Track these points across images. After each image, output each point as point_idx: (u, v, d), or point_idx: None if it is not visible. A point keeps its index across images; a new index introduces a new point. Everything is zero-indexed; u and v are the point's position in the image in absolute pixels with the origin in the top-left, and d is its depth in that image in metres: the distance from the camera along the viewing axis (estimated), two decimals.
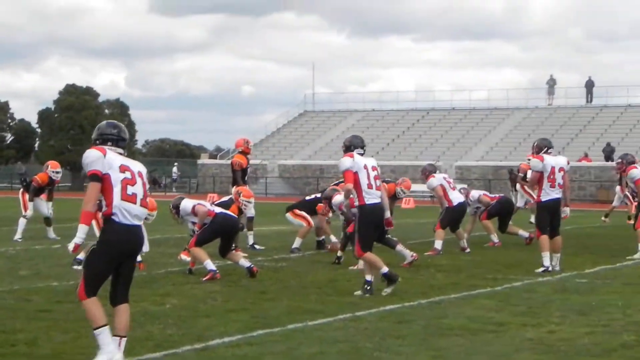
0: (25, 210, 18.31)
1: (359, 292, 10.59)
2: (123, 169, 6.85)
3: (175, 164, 65.87)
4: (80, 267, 12.60)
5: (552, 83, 59.27)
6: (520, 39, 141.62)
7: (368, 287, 10.58)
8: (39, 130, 71.12)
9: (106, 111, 71.17)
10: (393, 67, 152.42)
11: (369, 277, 10.66)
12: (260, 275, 12.09)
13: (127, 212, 6.78)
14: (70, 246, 6.96)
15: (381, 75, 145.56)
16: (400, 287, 11.14)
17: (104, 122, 7.33)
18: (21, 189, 19.17)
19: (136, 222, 6.85)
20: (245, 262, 12.24)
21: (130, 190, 6.82)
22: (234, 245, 13.07)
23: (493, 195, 18.13)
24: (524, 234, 17.24)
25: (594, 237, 16.73)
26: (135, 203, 6.84)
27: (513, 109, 59.31)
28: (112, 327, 6.88)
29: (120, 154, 7.00)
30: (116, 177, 6.78)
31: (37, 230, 18.96)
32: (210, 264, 11.88)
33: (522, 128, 56.10)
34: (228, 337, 7.86)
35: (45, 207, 18.57)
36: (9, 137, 73.43)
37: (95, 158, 6.79)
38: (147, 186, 7.03)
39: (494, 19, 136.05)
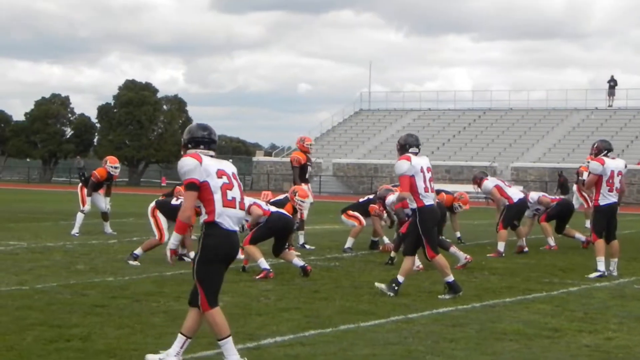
0: (84, 205, 18.53)
1: (443, 296, 10.46)
2: (220, 174, 6.70)
3: (230, 160, 66.14)
4: (136, 263, 12.74)
5: (612, 84, 58.43)
6: (581, 39, 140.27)
7: (448, 289, 10.50)
8: (98, 125, 72.06)
9: (164, 107, 71.83)
10: (451, 67, 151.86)
11: (448, 278, 10.56)
12: (313, 275, 12.08)
13: (230, 218, 6.66)
14: (167, 253, 6.83)
15: (438, 75, 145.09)
16: None
17: (194, 124, 7.15)
18: (80, 184, 19.40)
19: (236, 228, 6.74)
20: (298, 261, 12.24)
21: (229, 195, 6.69)
22: (287, 244, 13.08)
23: (553, 197, 17.92)
24: (581, 237, 17.00)
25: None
26: (235, 208, 6.72)
27: (572, 110, 58.61)
28: (181, 325, 6.89)
29: (212, 156, 6.84)
30: (215, 184, 6.64)
31: (93, 225, 19.20)
32: (264, 263, 11.90)
33: (581, 129, 55.41)
34: (280, 337, 7.86)
35: (103, 202, 18.77)
36: (69, 132, 74.50)
37: (192, 167, 6.62)
38: (242, 187, 6.92)
39: (554, 19, 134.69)
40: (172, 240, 6.78)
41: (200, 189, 6.60)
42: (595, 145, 13.33)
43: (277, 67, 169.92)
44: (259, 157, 61.34)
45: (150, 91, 70.63)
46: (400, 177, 10.48)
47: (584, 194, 17.32)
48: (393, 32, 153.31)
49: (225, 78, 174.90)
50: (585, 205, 20.76)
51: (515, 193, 15.83)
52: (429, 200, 10.50)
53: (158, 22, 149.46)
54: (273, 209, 12.62)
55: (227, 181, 6.71)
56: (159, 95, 72.18)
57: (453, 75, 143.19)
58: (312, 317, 8.88)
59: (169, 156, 69.17)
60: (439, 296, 10.47)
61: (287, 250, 12.80)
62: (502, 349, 7.63)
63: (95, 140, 73.46)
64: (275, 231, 12.34)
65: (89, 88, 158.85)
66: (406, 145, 10.72)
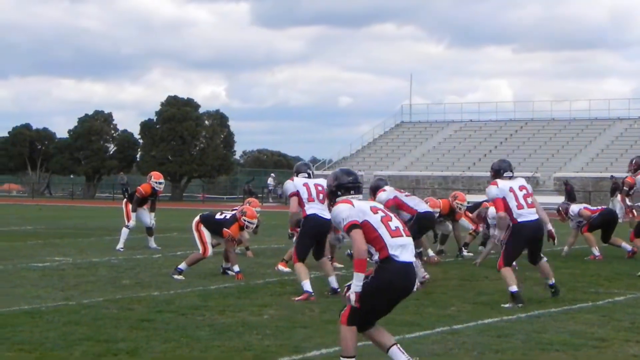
0: (129, 221, 18.69)
1: (507, 305, 10.63)
2: (374, 210, 6.81)
3: (272, 174, 66.45)
4: (181, 277, 12.82)
5: None
6: (624, 49, 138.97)
7: (512, 299, 10.76)
8: (140, 141, 72.68)
9: (206, 122, 72.25)
10: (492, 78, 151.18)
11: (513, 288, 10.78)
12: None
13: (401, 248, 6.71)
14: (352, 297, 6.69)
15: (480, 86, 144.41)
16: (498, 300, 11.00)
17: (339, 170, 7.26)
18: (124, 199, 19.58)
19: (412, 259, 6.77)
20: (333, 282, 11.74)
21: (392, 225, 6.78)
22: (330, 256, 12.99)
23: (594, 208, 17.75)
24: (627, 246, 16.83)
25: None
26: (401, 236, 6.78)
27: (615, 120, 58.05)
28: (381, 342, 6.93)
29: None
30: (375, 220, 6.74)
31: (138, 240, 19.36)
32: (307, 285, 11.28)
33: (624, 139, 54.84)
34: (325, 349, 7.88)
35: (148, 217, 18.91)
36: (112, 148, 75.23)
37: (347, 212, 6.73)
38: (393, 217, 6.91)
39: (596, 29, 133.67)
40: (356, 281, 6.63)
41: (362, 229, 6.68)
42: (634, 161, 13.19)
43: (317, 81, 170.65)
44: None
45: (192, 107, 71.09)
46: (493, 200, 11.30)
47: (628, 203, 17.14)
48: (434, 44, 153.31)
49: (266, 93, 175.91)
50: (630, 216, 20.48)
51: (417, 204, 14.39)
52: (525, 216, 11.01)
53: (199, 38, 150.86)
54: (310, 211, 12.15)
55: (384, 214, 6.83)
56: (201, 110, 72.67)
57: (494, 87, 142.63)
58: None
59: (211, 171, 69.57)
60: (504, 305, 10.55)
61: (328, 260, 12.46)
62: None
63: (138, 156, 74.08)
64: (313, 236, 11.88)
65: (131, 104, 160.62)
66: (500, 171, 11.45)
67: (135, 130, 74.22)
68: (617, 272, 14.43)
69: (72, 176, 73.92)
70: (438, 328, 9.01)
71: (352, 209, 6.73)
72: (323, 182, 11.16)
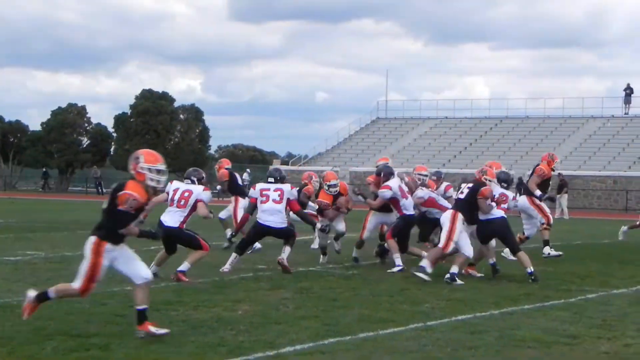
0: None
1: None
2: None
3: (247, 170, 66.31)
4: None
5: (629, 92, 58.20)
6: (600, 48, 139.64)
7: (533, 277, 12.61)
8: (114, 134, 72.30)
9: (181, 116, 72.02)
10: (469, 75, 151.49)
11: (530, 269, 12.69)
12: (332, 283, 12.10)
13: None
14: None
15: (456, 83, 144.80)
16: (472, 297, 11.05)
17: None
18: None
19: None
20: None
21: None
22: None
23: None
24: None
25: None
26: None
27: (588, 118, 58.40)
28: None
29: None
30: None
31: None
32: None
33: (597, 137, 55.21)
34: (299, 345, 7.88)
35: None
36: (86, 141, 74.76)
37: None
38: None
39: (572, 28, 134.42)
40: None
41: None
42: None
43: (294, 76, 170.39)
44: (276, 166, 61.40)
45: (167, 100, 70.82)
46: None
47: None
48: (412, 41, 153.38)
49: (242, 87, 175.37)
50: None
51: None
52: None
53: (176, 32, 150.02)
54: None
55: None
56: (176, 104, 72.39)
57: (471, 84, 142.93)
58: (331, 325, 8.90)
59: (186, 165, 69.20)
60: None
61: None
62: (521, 356, 7.63)
63: (111, 149, 73.68)
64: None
65: (107, 98, 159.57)
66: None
67: (110, 124, 73.87)
68: (590, 269, 14.54)
69: (44, 169, 73.18)
70: (412, 324, 9.04)
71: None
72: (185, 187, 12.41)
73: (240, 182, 18.91)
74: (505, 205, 13.60)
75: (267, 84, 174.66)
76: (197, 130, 72.19)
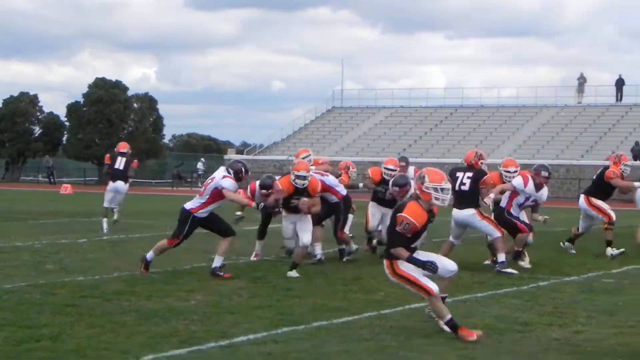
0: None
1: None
2: None
3: (202, 159, 66.02)
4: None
5: (582, 81, 58.87)
6: (554, 37, 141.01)
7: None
8: (67, 123, 71.50)
9: (134, 105, 71.40)
10: (425, 64, 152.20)
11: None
12: (286, 273, 12.05)
13: None
14: None
15: (413, 72, 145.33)
16: None
17: None
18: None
19: None
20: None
21: None
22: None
23: None
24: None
25: (621, 236, 16.55)
26: None
27: (542, 107, 58.96)
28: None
29: None
30: None
31: (62, 224, 19.06)
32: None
33: (551, 126, 55.78)
34: (253, 334, 7.84)
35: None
36: (38, 130, 73.83)
37: None
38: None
39: (528, 17, 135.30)
40: None
41: None
42: None
43: (250, 64, 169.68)
44: (231, 155, 61.09)
45: (120, 89, 70.12)
46: None
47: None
48: (369, 30, 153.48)
49: (197, 76, 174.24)
50: None
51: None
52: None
53: (131, 19, 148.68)
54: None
55: None
56: (130, 93, 71.77)
57: (427, 73, 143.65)
58: (285, 315, 8.87)
59: (140, 155, 68.72)
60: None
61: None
62: (474, 344, 7.66)
63: (64, 139, 72.83)
64: None
65: (60, 86, 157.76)
66: None
67: (62, 113, 72.99)
68: (542, 257, 14.66)
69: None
70: (366, 313, 9.05)
71: None
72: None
73: (119, 165, 19.19)
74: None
75: (222, 73, 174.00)
76: (151, 119, 71.58)
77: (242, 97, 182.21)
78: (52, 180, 59.93)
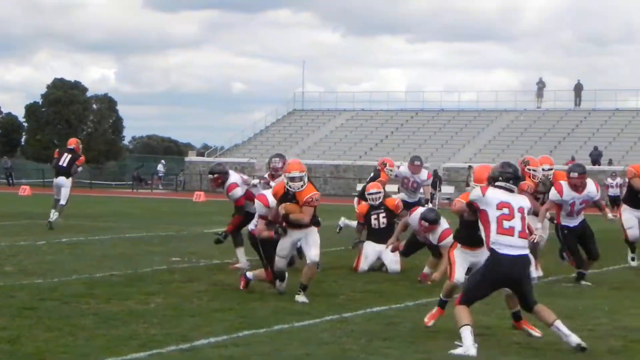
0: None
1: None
2: (500, 206, 7.75)
3: (162, 161, 65.63)
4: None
5: (541, 85, 59.43)
6: (513, 42, 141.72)
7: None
8: (25, 124, 70.78)
9: (94, 106, 70.91)
10: (386, 67, 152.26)
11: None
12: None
13: (505, 246, 7.67)
14: None
15: (373, 75, 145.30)
16: (387, 289, 11.10)
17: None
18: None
19: (512, 253, 7.69)
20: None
21: (506, 224, 7.71)
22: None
23: None
24: None
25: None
26: (511, 235, 7.70)
27: (501, 111, 59.39)
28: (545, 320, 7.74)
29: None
30: (492, 214, 7.75)
31: (22, 226, 18.85)
32: None
33: (510, 130, 56.23)
34: (214, 337, 7.80)
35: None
36: None
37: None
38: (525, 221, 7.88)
39: (487, 21, 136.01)
40: None
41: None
42: None
43: (211, 66, 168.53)
44: (192, 157, 60.87)
45: (79, 90, 69.64)
46: None
47: None
48: (330, 32, 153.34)
49: (158, 77, 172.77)
50: None
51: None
52: None
53: (90, 20, 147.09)
54: None
55: (507, 213, 7.75)
56: (89, 94, 71.24)
57: (388, 76, 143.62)
58: (246, 318, 8.84)
59: (99, 156, 68.25)
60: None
61: None
62: (435, 347, 7.69)
63: (22, 140, 72.08)
64: None
65: (17, 87, 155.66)
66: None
67: (21, 113, 72.24)
68: None
69: None
70: (327, 316, 9.04)
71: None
72: None
73: (63, 162, 19.76)
74: None
75: (183, 74, 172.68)
76: (111, 121, 71.16)
77: (203, 99, 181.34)
78: (10, 181, 59.17)
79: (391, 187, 15.49)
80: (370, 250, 13.11)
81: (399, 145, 55.82)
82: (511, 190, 7.84)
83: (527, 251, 7.83)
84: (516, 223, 7.72)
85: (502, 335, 8.32)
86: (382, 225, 13.17)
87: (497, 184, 7.88)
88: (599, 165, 46.56)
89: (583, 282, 12.22)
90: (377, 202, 13.22)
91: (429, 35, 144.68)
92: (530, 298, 7.86)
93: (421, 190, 15.93)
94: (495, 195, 7.78)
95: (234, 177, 12.60)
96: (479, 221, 7.86)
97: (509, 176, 7.87)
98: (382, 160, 15.75)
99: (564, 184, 12.15)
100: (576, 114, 56.96)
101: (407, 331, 8.37)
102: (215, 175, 12.57)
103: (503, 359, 7.37)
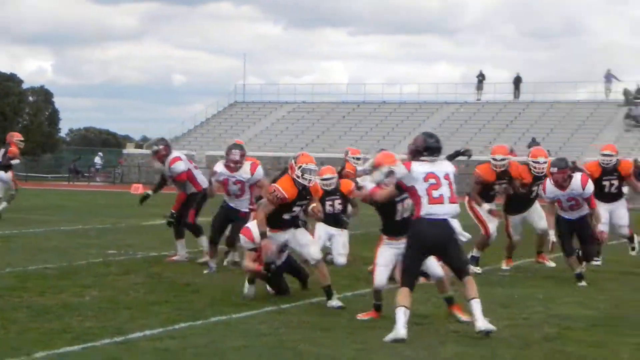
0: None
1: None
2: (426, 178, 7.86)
3: (99, 153, 64.81)
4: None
5: (481, 78, 59.93)
6: (454, 35, 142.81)
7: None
8: None
9: (30, 98, 69.79)
10: (328, 60, 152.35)
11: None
12: (184, 268, 11.90)
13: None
14: None
15: (316, 68, 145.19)
16: (319, 280, 11.05)
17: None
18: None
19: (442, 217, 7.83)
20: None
21: (435, 193, 7.82)
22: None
23: None
24: None
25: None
26: (443, 203, 7.83)
27: (442, 103, 59.82)
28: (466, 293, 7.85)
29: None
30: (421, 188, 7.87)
31: None
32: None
33: (451, 122, 56.62)
34: (149, 330, 7.70)
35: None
36: None
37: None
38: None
39: (429, 14, 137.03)
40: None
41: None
42: None
43: (151, 58, 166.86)
44: (130, 150, 60.23)
45: (14, 82, 68.48)
46: None
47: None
48: (271, 25, 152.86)
49: (96, 69, 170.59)
50: None
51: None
52: None
53: (26, 11, 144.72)
54: None
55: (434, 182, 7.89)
56: (25, 86, 70.11)
57: (330, 69, 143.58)
58: (183, 310, 8.74)
59: (35, 149, 67.13)
60: None
61: None
62: (372, 337, 7.68)
63: None
64: None
65: None
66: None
67: None
68: None
69: None
70: (266, 308, 8.99)
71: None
72: None
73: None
74: None
75: (122, 67, 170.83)
76: (47, 113, 70.07)
77: (143, 91, 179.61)
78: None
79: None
80: (323, 232, 12.71)
81: (340, 137, 55.89)
82: (432, 161, 7.97)
83: (450, 216, 7.88)
84: (444, 190, 7.84)
85: (440, 324, 8.35)
86: (336, 211, 12.92)
87: (422, 158, 8.01)
88: None
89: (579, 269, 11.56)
90: (331, 188, 12.69)
91: (371, 28, 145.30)
92: (459, 264, 7.96)
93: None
94: (420, 169, 7.92)
95: (177, 153, 12.83)
96: (410, 198, 8.07)
97: (433, 148, 8.04)
98: (346, 149, 15.57)
99: (548, 181, 11.55)
100: (515, 106, 57.58)
101: (346, 322, 8.36)
102: (161, 147, 12.59)
103: (441, 348, 7.38)
